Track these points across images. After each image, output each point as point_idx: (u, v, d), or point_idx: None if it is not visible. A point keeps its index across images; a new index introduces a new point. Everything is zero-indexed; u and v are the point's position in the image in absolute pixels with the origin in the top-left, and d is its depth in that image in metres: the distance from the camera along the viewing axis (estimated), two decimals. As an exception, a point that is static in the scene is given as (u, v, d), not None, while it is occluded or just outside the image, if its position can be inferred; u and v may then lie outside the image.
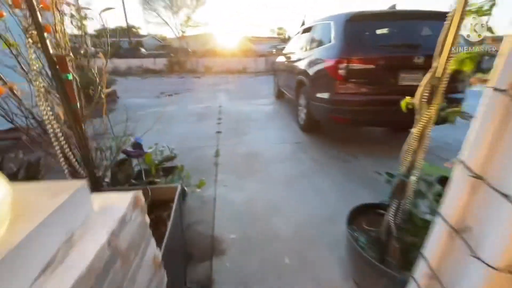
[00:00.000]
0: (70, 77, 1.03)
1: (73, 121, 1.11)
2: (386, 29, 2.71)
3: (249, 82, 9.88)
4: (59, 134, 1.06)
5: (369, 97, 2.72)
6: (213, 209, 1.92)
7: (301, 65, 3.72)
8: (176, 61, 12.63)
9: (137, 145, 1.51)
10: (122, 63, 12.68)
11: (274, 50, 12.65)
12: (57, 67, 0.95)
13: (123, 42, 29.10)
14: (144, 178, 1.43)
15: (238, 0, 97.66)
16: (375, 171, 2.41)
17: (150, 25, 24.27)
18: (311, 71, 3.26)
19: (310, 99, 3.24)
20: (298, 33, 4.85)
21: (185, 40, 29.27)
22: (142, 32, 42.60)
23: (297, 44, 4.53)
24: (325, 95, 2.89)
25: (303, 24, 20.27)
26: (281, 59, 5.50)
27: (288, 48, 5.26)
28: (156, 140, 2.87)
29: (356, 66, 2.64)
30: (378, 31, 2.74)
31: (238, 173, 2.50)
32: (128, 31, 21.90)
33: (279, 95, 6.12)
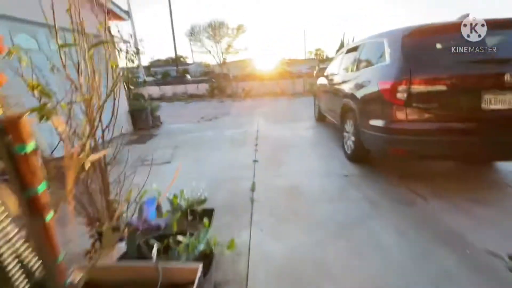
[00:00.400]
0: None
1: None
2: (460, 42, 2.22)
3: (287, 104, 9.70)
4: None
5: (440, 125, 2.20)
6: (247, 264, 1.60)
7: (347, 87, 3.35)
8: (216, 86, 13.26)
9: (150, 208, 1.25)
10: (169, 90, 13.81)
11: (315, 71, 12.44)
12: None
13: (171, 71, 32.28)
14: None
15: (275, 24, 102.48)
16: (487, 250, 1.59)
17: (196, 54, 26.74)
18: (360, 94, 2.87)
19: (360, 126, 2.81)
20: (341, 53, 4.53)
21: (226, 66, 31.19)
22: (189, 60, 47.12)
23: (341, 65, 4.19)
24: (379, 122, 2.45)
25: (341, 44, 19.79)
26: (322, 81, 5.20)
27: (330, 70, 4.94)
28: (192, 169, 2.74)
29: (421, 88, 2.18)
30: (450, 46, 2.26)
31: (277, 214, 2.16)
32: (176, 60, 24.29)
33: (320, 118, 5.73)
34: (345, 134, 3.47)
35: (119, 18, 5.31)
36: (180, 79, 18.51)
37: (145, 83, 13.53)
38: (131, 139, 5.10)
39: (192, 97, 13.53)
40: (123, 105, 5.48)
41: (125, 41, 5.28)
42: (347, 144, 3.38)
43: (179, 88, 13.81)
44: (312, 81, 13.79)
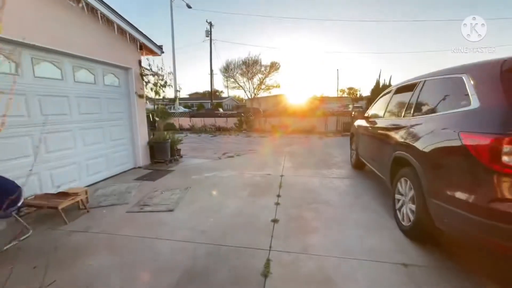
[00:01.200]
0: None
1: None
2: None
3: (319, 144, 8.90)
4: None
5: None
6: None
7: (400, 135, 2.56)
8: (245, 120, 13.14)
9: None
10: (199, 121, 14.04)
11: (353, 112, 11.69)
12: None
13: (206, 103, 34.00)
14: None
15: (309, 61, 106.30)
16: None
17: (230, 89, 28.17)
18: (425, 147, 2.05)
19: (428, 194, 1.95)
20: (387, 92, 3.81)
21: (258, 101, 32.04)
22: (224, 94, 49.98)
23: (387, 107, 3.45)
24: (467, 196, 1.59)
25: (377, 82, 18.87)
26: (361, 122, 4.43)
27: (372, 111, 4.20)
28: (194, 223, 2.10)
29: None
30: None
31: None
32: (211, 94, 25.62)
33: (358, 165, 4.83)
34: (398, 196, 2.57)
35: (152, 52, 5.39)
36: (212, 111, 19.06)
37: (173, 114, 14.16)
38: (144, 174, 4.72)
39: (220, 130, 13.51)
40: (144, 137, 5.26)
41: (154, 73, 5.24)
42: (401, 212, 2.47)
43: (209, 121, 13.98)
44: (346, 120, 12.99)
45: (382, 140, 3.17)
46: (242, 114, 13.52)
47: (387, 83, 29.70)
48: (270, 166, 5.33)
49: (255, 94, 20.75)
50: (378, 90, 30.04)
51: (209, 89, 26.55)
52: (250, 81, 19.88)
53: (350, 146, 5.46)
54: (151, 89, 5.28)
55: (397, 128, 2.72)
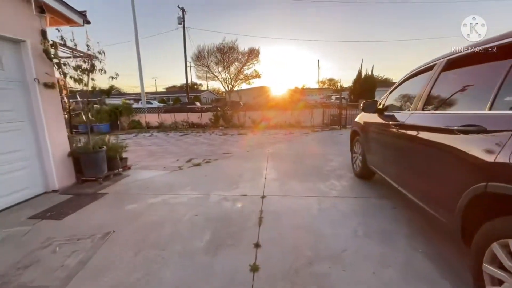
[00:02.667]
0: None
1: None
2: None
3: (306, 141, 7.60)
4: None
5: None
6: None
7: (475, 146, 1.24)
8: (222, 115, 11.55)
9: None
10: (169, 118, 12.24)
11: (361, 104, 10.56)
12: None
13: (184, 97, 31.71)
14: None
15: (288, 54, 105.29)
16: None
17: (203, 79, 25.75)
18: None
19: None
20: (423, 70, 2.47)
21: (238, 94, 30.05)
22: (208, 87, 47.49)
23: (427, 93, 2.13)
24: None
25: (359, 72, 18.11)
26: (373, 118, 3.13)
27: (393, 101, 2.90)
28: None
29: None
30: None
31: None
32: (186, 87, 23.47)
33: (364, 175, 3.59)
34: (488, 268, 1.27)
35: (69, 21, 3.68)
36: (185, 106, 17.21)
37: (137, 110, 12.12)
38: (54, 204, 3.10)
39: (194, 126, 11.84)
40: (60, 146, 3.60)
41: (71, 51, 3.56)
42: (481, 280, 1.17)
43: (181, 116, 12.22)
44: (332, 112, 11.81)
45: (429, 150, 1.86)
46: (219, 108, 11.91)
47: (369, 73, 29.13)
48: (248, 179, 3.91)
49: (232, 86, 18.89)
50: (361, 81, 29.38)
51: (188, 82, 24.35)
52: (226, 71, 17.98)
53: (351, 147, 4.18)
54: (72, 77, 3.59)
55: (481, 131, 1.39)
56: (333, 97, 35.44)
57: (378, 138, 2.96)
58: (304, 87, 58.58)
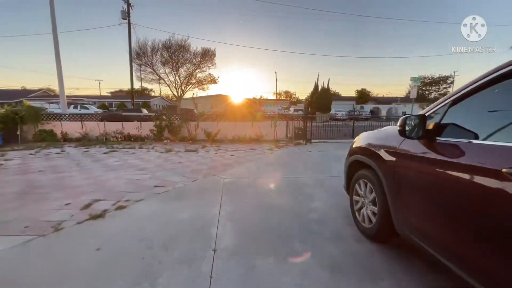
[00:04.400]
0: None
1: None
2: None
3: (272, 162, 6.08)
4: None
5: None
6: None
7: None
8: (167, 125, 9.37)
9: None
10: (96, 127, 9.48)
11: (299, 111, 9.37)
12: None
13: (130, 103, 27.79)
14: None
15: (246, 63, 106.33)
16: None
17: (146, 82, 22.22)
18: None
19: None
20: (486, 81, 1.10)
21: (193, 101, 27.50)
22: (157, 93, 43.32)
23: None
24: None
25: (316, 85, 17.95)
26: (413, 147, 1.69)
27: (459, 119, 1.49)
28: None
29: None
30: None
31: None
32: (132, 92, 20.14)
33: (383, 236, 2.13)
34: None
35: None
36: (120, 113, 14.30)
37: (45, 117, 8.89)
38: None
39: (129, 139, 9.34)
40: None
41: None
42: None
43: (114, 126, 9.60)
44: (297, 124, 10.69)
45: None
46: (164, 117, 9.70)
47: (325, 86, 30.00)
48: (180, 257, 2.09)
49: (183, 91, 16.52)
50: (318, 93, 30.00)
51: (138, 87, 20.95)
52: (175, 73, 15.58)
53: (349, 186, 2.73)
54: None
55: None
56: (292, 109, 35.82)
57: (433, 186, 1.52)
58: (262, 98, 58.84)
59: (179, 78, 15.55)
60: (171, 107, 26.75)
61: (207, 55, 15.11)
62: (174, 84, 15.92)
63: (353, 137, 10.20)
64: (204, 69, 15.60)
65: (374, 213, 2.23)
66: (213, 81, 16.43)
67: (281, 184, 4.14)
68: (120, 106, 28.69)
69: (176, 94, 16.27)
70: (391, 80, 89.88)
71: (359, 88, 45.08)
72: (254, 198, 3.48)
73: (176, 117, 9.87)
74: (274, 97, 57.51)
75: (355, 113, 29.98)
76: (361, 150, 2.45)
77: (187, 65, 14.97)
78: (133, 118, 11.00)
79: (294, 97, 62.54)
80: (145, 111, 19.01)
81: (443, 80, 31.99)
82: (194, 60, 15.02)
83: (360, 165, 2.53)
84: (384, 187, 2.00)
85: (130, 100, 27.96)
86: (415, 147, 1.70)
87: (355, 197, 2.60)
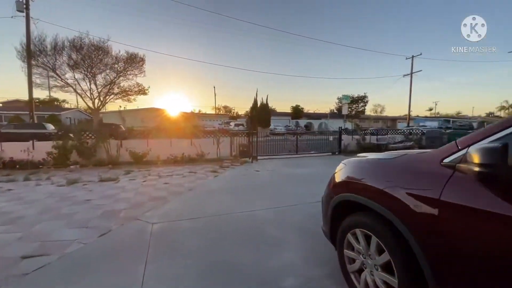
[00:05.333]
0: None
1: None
2: None
3: (218, 191, 5.02)
4: None
5: None
6: None
7: None
8: (74, 145, 7.13)
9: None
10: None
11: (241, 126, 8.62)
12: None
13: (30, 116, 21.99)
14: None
15: (185, 77, 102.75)
16: None
17: (53, 91, 16.77)
18: None
19: None
20: None
21: (120, 114, 23.98)
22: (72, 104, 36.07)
23: None
24: None
25: (255, 101, 18.15)
26: (473, 191, 1.00)
27: None
28: None
29: None
30: None
31: None
32: (30, 101, 15.61)
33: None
34: None
35: None
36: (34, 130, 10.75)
37: None
38: None
39: (11, 167, 6.66)
40: None
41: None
42: None
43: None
44: (242, 141, 9.88)
45: None
46: (71, 135, 7.40)
47: (264, 102, 30.89)
48: None
49: (101, 102, 13.57)
50: (258, 108, 30.57)
51: (46, 96, 16.18)
52: (90, 80, 12.70)
53: (339, 236, 1.94)
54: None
55: None
56: (232, 124, 35.37)
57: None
58: (201, 112, 56.72)
59: (96, 87, 12.66)
60: (89, 122, 22.33)
61: (133, 61, 12.82)
62: (89, 94, 12.87)
63: (297, 152, 10.10)
64: (130, 77, 13.21)
65: (386, 284, 1.49)
66: (143, 91, 14.12)
67: (234, 225, 3.13)
68: (13, 120, 22.25)
69: (92, 105, 13.16)
70: (317, 98, 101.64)
71: (294, 104, 48.78)
72: (198, 256, 2.36)
73: (90, 135, 7.69)
74: (213, 112, 56.39)
75: (298, 128, 31.65)
76: (357, 188, 1.73)
77: (107, 71, 12.31)
78: (30, 137, 8.07)
79: (233, 112, 62.77)
80: (50, 127, 14.97)
81: (361, 99, 37.68)
82: (116, 66, 12.51)
83: (353, 208, 1.81)
84: (415, 249, 1.27)
85: (37, 112, 22.06)
86: (479, 191, 1.02)
87: (349, 253, 1.84)
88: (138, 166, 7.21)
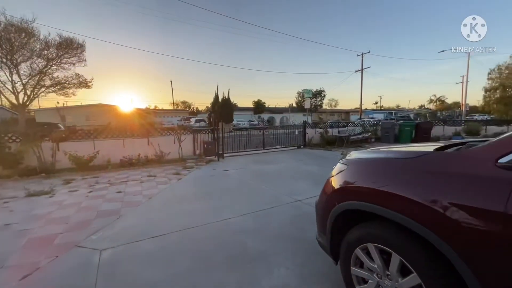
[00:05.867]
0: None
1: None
2: None
3: (184, 193, 4.42)
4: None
5: None
6: None
7: None
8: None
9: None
10: None
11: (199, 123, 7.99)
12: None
13: None
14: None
15: (138, 71, 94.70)
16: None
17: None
18: None
19: None
20: None
21: (59, 112, 20.99)
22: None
23: None
24: None
25: (216, 95, 17.52)
26: None
27: None
28: None
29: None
30: None
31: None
32: None
33: None
34: None
35: None
36: None
37: None
38: None
39: None
40: None
41: None
42: None
43: None
44: (206, 138, 9.13)
45: None
46: (-15, 139, 5.81)
47: (226, 97, 30.13)
48: None
49: (29, 96, 11.02)
50: (219, 103, 29.65)
51: None
52: (9, 69, 10.21)
53: (344, 251, 1.62)
54: None
55: None
56: (193, 120, 33.61)
57: None
58: (157, 108, 52.76)
59: (20, 78, 10.21)
60: (16, 121, 18.65)
61: (69, 47, 10.60)
62: (11, 87, 10.33)
63: (263, 147, 9.83)
64: (66, 66, 10.95)
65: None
66: (84, 84, 11.99)
67: (209, 240, 2.64)
68: None
69: (16, 101, 10.61)
70: (278, 93, 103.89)
71: (255, 99, 48.73)
72: (167, 293, 1.82)
73: (14, 137, 6.17)
74: (171, 108, 53.12)
75: (264, 122, 31.46)
76: (370, 195, 1.41)
77: (34, 58, 9.94)
78: None
79: (193, 107, 60.06)
80: (-41, 129, 11.88)
81: (318, 93, 39.48)
82: (46, 52, 10.17)
83: (361, 216, 1.50)
84: (466, 277, 0.98)
85: None
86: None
87: (357, 271, 1.53)
88: (82, 173, 6.05)
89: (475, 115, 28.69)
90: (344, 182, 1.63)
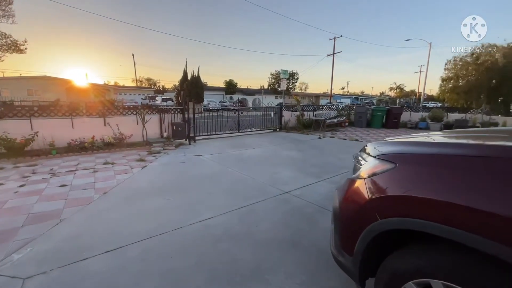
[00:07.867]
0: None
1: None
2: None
3: (149, 185, 3.67)
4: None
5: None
6: None
7: None
8: None
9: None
10: None
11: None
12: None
13: None
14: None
15: (94, 40, 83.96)
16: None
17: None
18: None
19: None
20: None
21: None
22: None
23: None
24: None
25: (185, 73, 16.19)
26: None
27: None
28: None
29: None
30: None
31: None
32: None
33: None
34: None
35: None
36: None
37: None
38: None
39: None
40: None
41: None
42: None
43: None
44: (175, 119, 8.00)
45: None
46: None
47: (195, 74, 28.10)
48: None
49: None
50: (188, 82, 27.61)
51: None
52: None
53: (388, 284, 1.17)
54: None
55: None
56: (159, 98, 30.93)
57: None
58: (118, 84, 47.54)
59: None
60: None
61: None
62: None
63: (238, 130, 9.13)
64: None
65: None
66: (15, 47, 9.66)
67: (184, 254, 2.03)
68: None
69: None
70: (249, 74, 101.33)
71: (227, 79, 46.49)
72: None
73: None
74: (134, 85, 48.45)
75: (239, 103, 30.03)
76: (443, 211, 0.92)
77: None
78: None
79: (159, 85, 55.63)
80: None
81: (292, 76, 39.07)
82: None
83: (413, 237, 1.03)
84: None
85: None
86: None
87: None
88: (14, 160, 4.82)
89: (428, 103, 31.18)
90: (394, 189, 1.12)
